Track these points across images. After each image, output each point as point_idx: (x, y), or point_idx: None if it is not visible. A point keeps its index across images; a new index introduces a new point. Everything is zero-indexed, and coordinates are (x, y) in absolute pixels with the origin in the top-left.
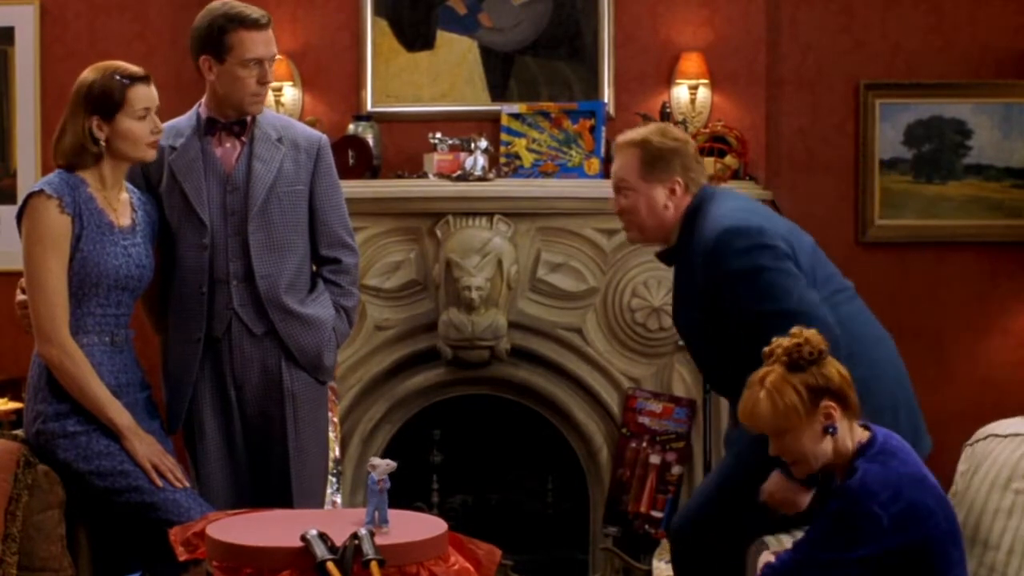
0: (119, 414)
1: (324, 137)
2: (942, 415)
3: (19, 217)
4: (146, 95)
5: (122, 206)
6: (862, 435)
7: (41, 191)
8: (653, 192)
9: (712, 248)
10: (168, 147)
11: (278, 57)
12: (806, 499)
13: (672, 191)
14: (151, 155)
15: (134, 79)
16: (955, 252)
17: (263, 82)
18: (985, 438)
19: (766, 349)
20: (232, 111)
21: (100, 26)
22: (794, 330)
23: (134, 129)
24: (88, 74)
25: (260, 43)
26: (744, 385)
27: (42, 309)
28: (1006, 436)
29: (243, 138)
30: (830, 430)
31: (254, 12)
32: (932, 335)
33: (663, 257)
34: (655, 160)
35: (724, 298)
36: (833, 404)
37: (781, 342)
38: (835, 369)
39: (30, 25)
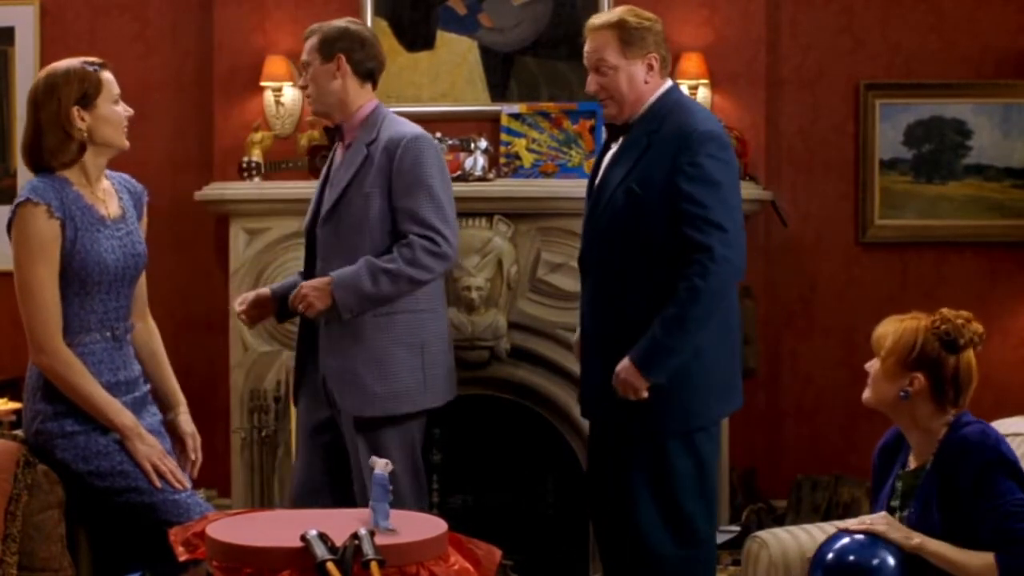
0: (119, 414)
1: (409, 135)
2: None
3: (8, 226)
4: (113, 80)
5: (108, 196)
6: (949, 417)
7: (28, 199)
8: (633, 68)
9: (697, 138)
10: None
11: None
12: (643, 390)
13: (650, 66)
14: (126, 142)
15: (101, 65)
16: (955, 252)
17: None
18: None
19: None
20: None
21: (100, 26)
22: (966, 312)
23: (113, 114)
24: (53, 72)
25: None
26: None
27: (34, 319)
28: (1007, 436)
29: (343, 142)
30: (903, 394)
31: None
32: None
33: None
34: (633, 37)
35: (681, 179)
36: (923, 380)
37: (955, 311)
38: (957, 362)
39: (30, 25)
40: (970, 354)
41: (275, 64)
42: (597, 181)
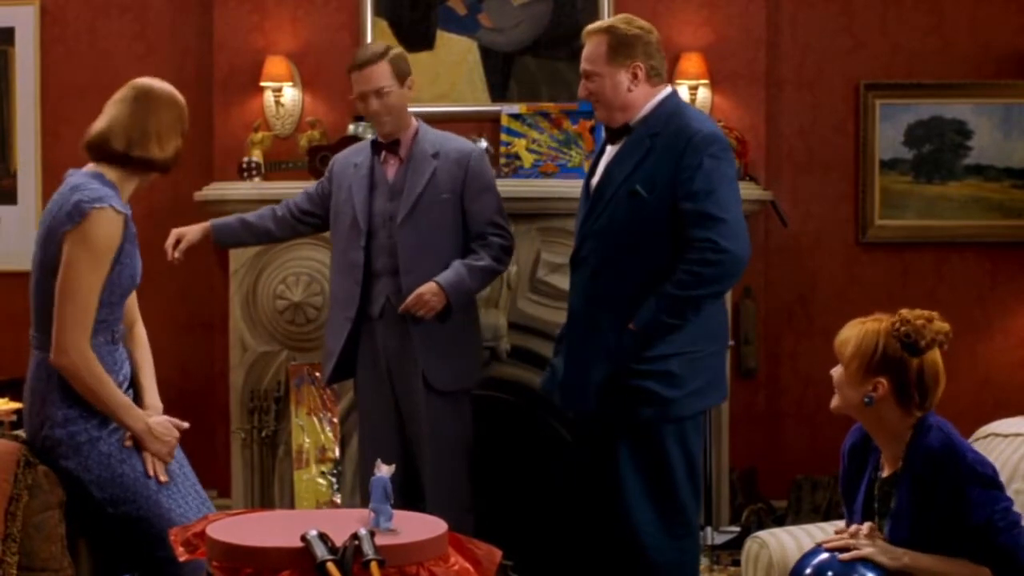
0: (136, 420)
1: (476, 148)
2: (942, 415)
3: (75, 221)
4: None
5: None
6: (913, 420)
7: (111, 206)
8: (617, 75)
9: (700, 140)
10: (352, 164)
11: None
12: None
13: (635, 75)
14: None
15: None
16: (955, 252)
17: (368, 112)
18: (986, 437)
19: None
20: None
21: (100, 26)
22: (928, 312)
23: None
24: (175, 93)
25: (359, 81)
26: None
27: (69, 320)
28: (1007, 436)
29: (400, 155)
30: (867, 400)
31: (357, 56)
32: None
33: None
34: (620, 45)
35: (683, 179)
36: (886, 384)
37: (915, 311)
38: (919, 364)
39: (30, 25)
40: (935, 355)
41: (275, 64)
42: (596, 180)
